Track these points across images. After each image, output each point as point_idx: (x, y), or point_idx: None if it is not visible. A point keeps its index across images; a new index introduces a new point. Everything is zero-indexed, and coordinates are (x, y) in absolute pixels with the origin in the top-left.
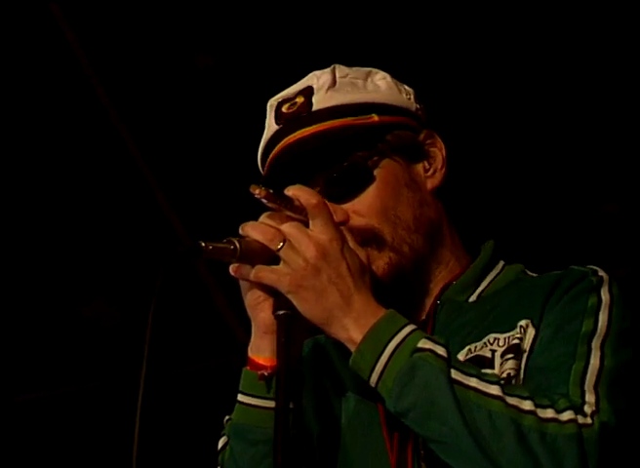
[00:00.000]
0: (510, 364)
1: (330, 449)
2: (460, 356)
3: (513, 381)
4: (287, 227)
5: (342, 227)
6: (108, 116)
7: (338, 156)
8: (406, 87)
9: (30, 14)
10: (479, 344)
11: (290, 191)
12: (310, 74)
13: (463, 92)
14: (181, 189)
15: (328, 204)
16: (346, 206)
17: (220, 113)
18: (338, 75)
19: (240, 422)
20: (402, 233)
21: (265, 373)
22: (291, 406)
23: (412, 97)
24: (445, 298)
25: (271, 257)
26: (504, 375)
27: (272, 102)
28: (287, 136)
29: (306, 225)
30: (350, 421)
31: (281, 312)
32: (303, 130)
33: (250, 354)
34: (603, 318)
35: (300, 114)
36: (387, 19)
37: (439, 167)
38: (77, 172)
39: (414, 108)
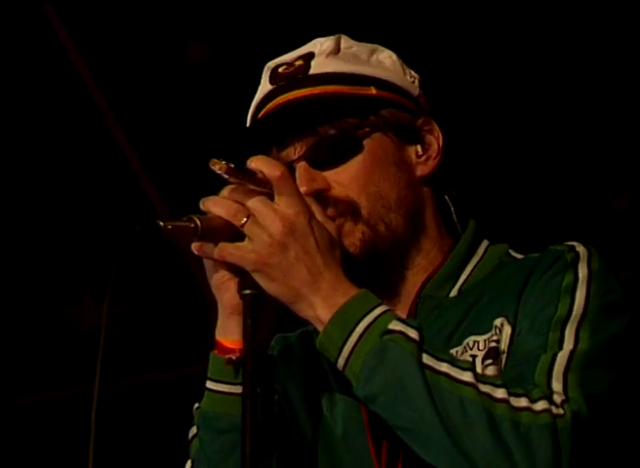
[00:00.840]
0: (490, 370)
1: (315, 457)
2: None
3: None
4: (251, 202)
5: (317, 196)
6: (103, 119)
7: (327, 121)
8: (412, 71)
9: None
10: (460, 349)
11: (252, 163)
12: (314, 40)
13: (468, 81)
14: (173, 182)
15: (308, 170)
16: (328, 173)
17: (211, 103)
18: (342, 44)
19: (208, 410)
20: (381, 210)
21: (233, 358)
22: (259, 390)
23: (416, 81)
24: (425, 295)
25: (235, 234)
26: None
27: (270, 65)
28: (279, 95)
29: (272, 199)
30: (332, 427)
31: (247, 292)
32: (297, 91)
33: (217, 336)
34: (580, 296)
35: (297, 75)
36: (388, 12)
37: (433, 155)
38: (64, 165)
39: (416, 93)
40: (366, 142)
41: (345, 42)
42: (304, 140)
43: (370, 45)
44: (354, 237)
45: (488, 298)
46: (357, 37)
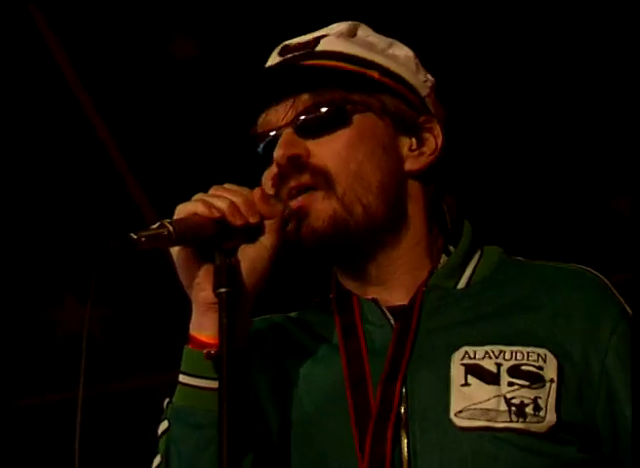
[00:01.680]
0: (525, 392)
1: (291, 443)
2: (457, 356)
3: (526, 410)
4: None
5: (294, 162)
6: (87, 119)
7: (320, 89)
8: (429, 75)
9: None
10: (479, 351)
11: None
12: (332, 25)
13: (465, 82)
14: (159, 182)
15: (291, 136)
16: (312, 143)
17: (198, 101)
18: (359, 32)
19: (182, 404)
20: (358, 190)
21: (212, 352)
22: (236, 388)
23: (429, 83)
24: (432, 284)
25: (211, 231)
26: (516, 402)
27: (284, 42)
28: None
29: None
30: (314, 410)
31: (222, 290)
32: (300, 63)
33: (192, 332)
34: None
35: (305, 48)
36: (382, 11)
37: (427, 152)
38: (47, 165)
39: (425, 93)
40: (356, 118)
41: (363, 30)
42: (295, 106)
43: (389, 39)
44: (324, 212)
45: (515, 308)
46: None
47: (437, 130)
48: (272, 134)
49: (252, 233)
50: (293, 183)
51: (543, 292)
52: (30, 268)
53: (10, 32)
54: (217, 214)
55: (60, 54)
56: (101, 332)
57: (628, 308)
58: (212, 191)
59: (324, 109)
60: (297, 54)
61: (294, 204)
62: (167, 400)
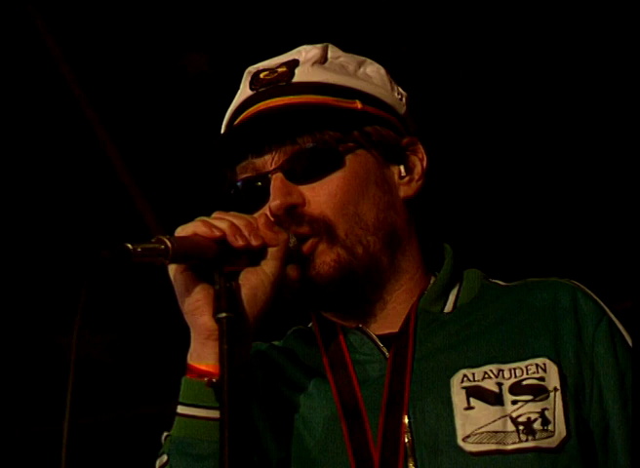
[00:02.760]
0: (530, 407)
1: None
2: (456, 379)
3: (534, 426)
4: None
5: (290, 212)
6: (94, 134)
7: (308, 132)
8: (400, 88)
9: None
10: (477, 372)
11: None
12: (299, 47)
13: (448, 100)
14: (165, 197)
15: (284, 182)
16: (305, 188)
17: (206, 116)
18: (329, 54)
19: (182, 436)
20: (358, 232)
21: (214, 380)
22: (237, 416)
23: (404, 99)
24: (420, 309)
25: (208, 253)
26: (523, 419)
27: (250, 70)
28: (259, 102)
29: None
30: (307, 438)
31: (222, 315)
32: (278, 99)
33: (190, 361)
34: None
35: (279, 82)
36: (385, 24)
37: (416, 178)
38: (56, 185)
39: (402, 111)
40: (348, 158)
41: (333, 51)
42: (282, 151)
43: (358, 57)
44: (329, 257)
45: (506, 326)
46: (351, 50)
47: (421, 151)
48: (260, 178)
49: (254, 258)
50: (292, 231)
51: (527, 306)
52: (37, 293)
53: (17, 48)
54: (217, 234)
55: (67, 67)
56: (111, 358)
57: (606, 307)
58: (214, 215)
59: (314, 153)
60: (271, 87)
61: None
62: (165, 434)
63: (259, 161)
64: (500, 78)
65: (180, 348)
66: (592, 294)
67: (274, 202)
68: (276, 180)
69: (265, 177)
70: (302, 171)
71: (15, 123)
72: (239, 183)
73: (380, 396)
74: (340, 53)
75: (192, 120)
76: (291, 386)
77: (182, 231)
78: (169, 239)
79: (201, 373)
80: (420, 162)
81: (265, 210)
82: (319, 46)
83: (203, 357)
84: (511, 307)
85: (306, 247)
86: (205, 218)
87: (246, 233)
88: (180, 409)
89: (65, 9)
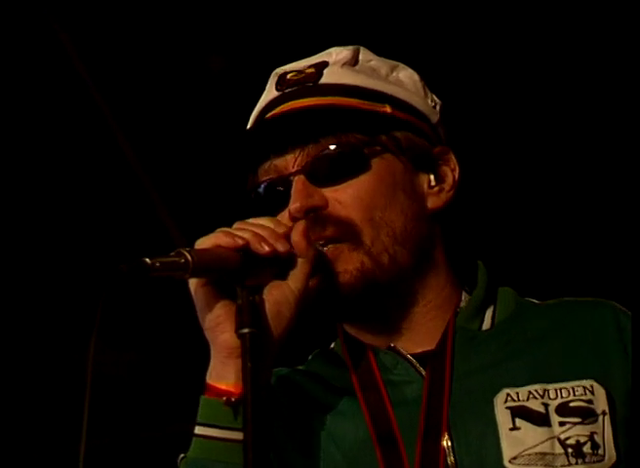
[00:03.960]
0: (579, 430)
1: None
2: (499, 399)
3: (584, 449)
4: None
5: (313, 215)
6: (113, 135)
7: (332, 133)
8: (435, 96)
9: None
10: (521, 392)
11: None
12: (330, 49)
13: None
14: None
15: (306, 184)
16: (328, 190)
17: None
18: (361, 56)
19: (199, 457)
20: (385, 240)
21: (232, 399)
22: (260, 437)
23: (437, 107)
24: (458, 326)
25: (228, 267)
26: (572, 442)
27: (278, 71)
28: (285, 102)
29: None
30: (345, 465)
31: (246, 331)
32: (304, 100)
33: (209, 380)
34: None
35: (306, 83)
36: (412, 24)
37: (447, 188)
38: (75, 196)
39: (435, 119)
40: (374, 162)
41: (364, 54)
42: (305, 152)
43: (391, 61)
44: (352, 265)
45: (549, 347)
46: (379, 52)
47: (453, 161)
48: (282, 181)
49: (279, 271)
50: (314, 236)
51: (568, 325)
52: (57, 312)
53: (38, 56)
54: (240, 243)
55: (87, 73)
56: (129, 377)
57: None
58: (235, 225)
59: (339, 155)
60: (299, 87)
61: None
62: (181, 456)
63: (281, 163)
64: (543, 89)
65: (201, 366)
66: (626, 311)
67: (294, 204)
68: (298, 183)
69: (287, 180)
70: (325, 173)
71: (35, 131)
72: (260, 186)
73: (417, 418)
74: (372, 56)
75: (217, 126)
76: (319, 410)
77: (203, 243)
78: (189, 252)
79: (220, 393)
80: (451, 172)
81: (286, 213)
82: (350, 48)
83: (223, 376)
84: (551, 326)
85: (328, 252)
86: (226, 229)
87: (271, 240)
88: (198, 430)
89: (81, 12)
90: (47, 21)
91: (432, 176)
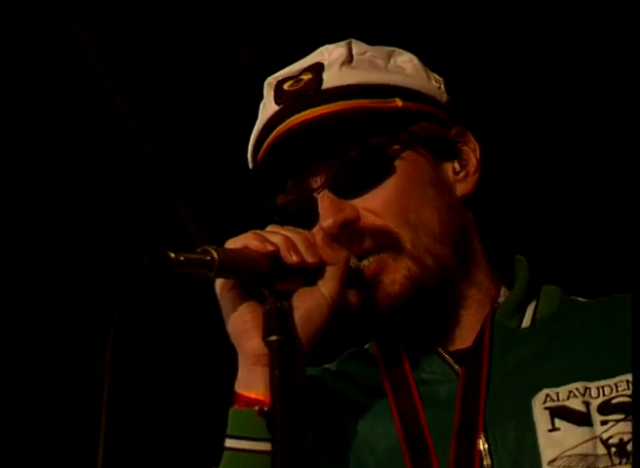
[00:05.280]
0: (622, 427)
1: None
2: (538, 400)
3: (628, 448)
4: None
5: (347, 229)
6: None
7: (350, 142)
8: (436, 75)
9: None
10: (561, 392)
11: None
12: (320, 48)
13: (498, 78)
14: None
15: (333, 199)
16: (357, 201)
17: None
18: (354, 51)
19: None
20: (425, 240)
21: (265, 408)
22: (291, 448)
23: (442, 86)
24: (496, 323)
25: (254, 269)
26: (615, 441)
27: (270, 81)
28: (289, 117)
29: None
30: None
31: (273, 338)
32: (311, 110)
33: (238, 390)
34: None
35: (308, 92)
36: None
37: (472, 171)
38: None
39: (444, 99)
40: (397, 163)
41: (357, 47)
42: (324, 166)
43: (385, 48)
44: (399, 274)
45: (589, 343)
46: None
47: (472, 140)
48: (305, 200)
49: (309, 277)
50: (353, 250)
51: (613, 321)
52: (71, 317)
53: (56, 55)
54: (270, 248)
55: (107, 73)
56: (149, 385)
57: None
58: (268, 228)
59: (362, 163)
60: (300, 98)
61: (365, 270)
62: None
63: (300, 181)
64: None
65: (229, 374)
66: None
67: (326, 221)
68: (324, 198)
69: (311, 197)
70: (350, 184)
71: (53, 129)
72: (282, 208)
73: (450, 419)
74: (365, 47)
75: (239, 123)
76: (350, 412)
77: (232, 243)
78: (215, 250)
79: (250, 402)
80: (472, 153)
81: (317, 231)
82: (342, 44)
83: (252, 384)
84: (595, 323)
85: (371, 265)
86: (258, 231)
87: (302, 249)
88: (229, 443)
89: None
90: (64, 17)
91: (456, 163)
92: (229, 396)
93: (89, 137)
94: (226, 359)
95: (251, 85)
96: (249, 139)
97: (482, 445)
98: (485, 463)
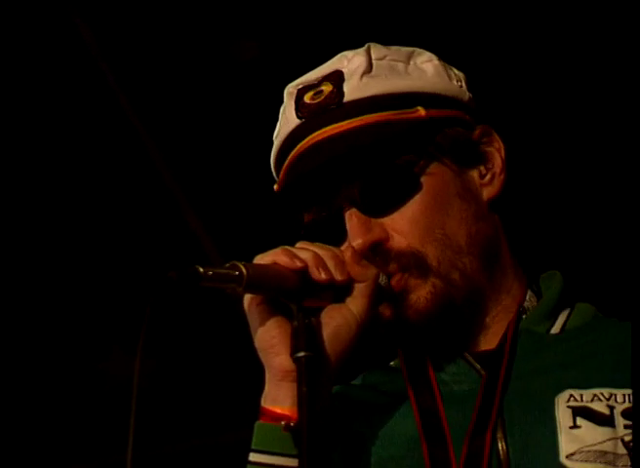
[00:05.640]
0: None
1: None
2: (560, 399)
3: None
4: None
5: (376, 250)
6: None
7: (376, 158)
8: (455, 71)
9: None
10: (586, 394)
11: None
12: (339, 55)
13: (525, 75)
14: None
15: (362, 218)
16: (385, 221)
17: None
18: (374, 57)
19: None
20: (451, 256)
21: (291, 423)
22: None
23: (463, 83)
24: (522, 328)
25: (282, 286)
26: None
27: (291, 90)
28: (312, 133)
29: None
30: (392, 461)
31: (301, 354)
32: (333, 126)
33: (264, 404)
34: None
35: (329, 106)
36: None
37: (497, 172)
38: (102, 214)
39: (466, 98)
40: (423, 179)
41: (376, 52)
42: (351, 183)
43: (404, 49)
44: (424, 291)
45: (618, 352)
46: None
47: (496, 139)
48: (331, 218)
49: (337, 294)
50: (381, 270)
51: None
52: (76, 319)
53: (56, 47)
54: (299, 265)
55: (109, 70)
56: (150, 387)
57: None
58: (298, 244)
59: (390, 180)
60: (322, 113)
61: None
62: None
63: (325, 199)
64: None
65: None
66: None
67: (356, 241)
68: (352, 217)
69: (338, 215)
70: (378, 202)
71: (58, 130)
72: (309, 226)
73: (469, 415)
74: (384, 50)
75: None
76: (371, 418)
77: (261, 259)
78: (244, 265)
79: (276, 417)
80: (497, 152)
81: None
82: (361, 51)
83: (278, 400)
84: (626, 338)
85: (396, 283)
86: (287, 247)
87: (331, 266)
88: (254, 457)
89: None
90: (69, 17)
91: (482, 167)
92: (231, 398)
93: (93, 137)
94: (230, 362)
95: (257, 81)
96: (257, 139)
97: (500, 441)
98: (501, 456)
